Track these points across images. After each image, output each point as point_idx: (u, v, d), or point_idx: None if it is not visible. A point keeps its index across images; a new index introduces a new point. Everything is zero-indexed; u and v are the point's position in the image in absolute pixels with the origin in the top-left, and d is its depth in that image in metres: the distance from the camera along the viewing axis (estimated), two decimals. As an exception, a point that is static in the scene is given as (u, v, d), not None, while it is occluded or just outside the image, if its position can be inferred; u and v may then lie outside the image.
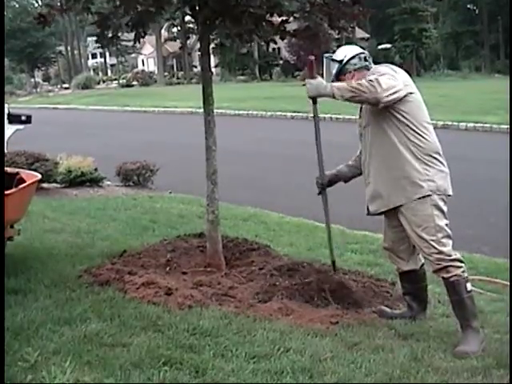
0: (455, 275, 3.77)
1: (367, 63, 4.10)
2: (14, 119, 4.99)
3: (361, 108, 4.08)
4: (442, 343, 3.68)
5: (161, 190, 9.96)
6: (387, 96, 3.71)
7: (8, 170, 4.98)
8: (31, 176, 5.07)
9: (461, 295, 3.78)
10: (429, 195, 3.80)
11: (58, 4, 4.84)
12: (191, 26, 40.86)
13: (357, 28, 44.46)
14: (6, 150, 5.33)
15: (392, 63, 4.29)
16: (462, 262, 3.84)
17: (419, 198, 3.80)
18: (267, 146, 15.25)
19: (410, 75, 4.07)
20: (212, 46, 5.68)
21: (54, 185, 9.70)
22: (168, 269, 4.87)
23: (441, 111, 19.32)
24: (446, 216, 3.86)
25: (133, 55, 61.86)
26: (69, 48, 62.38)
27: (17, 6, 56.53)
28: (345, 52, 4.15)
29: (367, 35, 53.54)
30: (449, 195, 3.90)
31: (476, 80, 38.87)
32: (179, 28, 50.09)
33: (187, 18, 32.76)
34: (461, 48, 57.72)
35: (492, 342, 3.76)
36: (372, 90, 3.69)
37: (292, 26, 5.09)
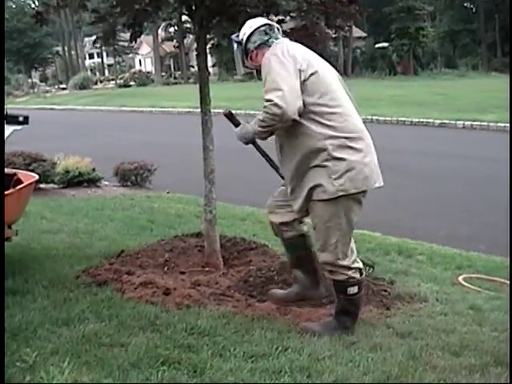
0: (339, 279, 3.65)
1: (267, 37, 3.55)
2: (12, 120, 4.97)
3: None
4: (440, 341, 3.68)
5: (158, 190, 9.96)
6: (291, 108, 3.24)
7: (5, 170, 4.97)
8: (29, 177, 5.06)
9: (340, 296, 3.71)
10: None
11: (55, 1, 4.84)
12: (188, 25, 40.85)
13: (354, 27, 44.43)
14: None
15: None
16: (350, 268, 3.64)
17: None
18: (264, 145, 15.23)
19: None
20: (209, 45, 5.69)
21: (52, 185, 9.71)
22: (166, 268, 4.87)
23: (438, 109, 19.33)
24: None
25: (130, 55, 61.81)
26: (66, 48, 62.24)
27: (13, 6, 56.45)
28: (244, 30, 3.60)
29: (364, 34, 53.53)
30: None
31: (473, 78, 38.88)
32: (176, 28, 50.08)
33: (184, 17, 32.79)
34: (458, 46, 57.70)
35: (490, 340, 3.76)
36: (276, 119, 3.28)
37: (289, 25, 5.09)
